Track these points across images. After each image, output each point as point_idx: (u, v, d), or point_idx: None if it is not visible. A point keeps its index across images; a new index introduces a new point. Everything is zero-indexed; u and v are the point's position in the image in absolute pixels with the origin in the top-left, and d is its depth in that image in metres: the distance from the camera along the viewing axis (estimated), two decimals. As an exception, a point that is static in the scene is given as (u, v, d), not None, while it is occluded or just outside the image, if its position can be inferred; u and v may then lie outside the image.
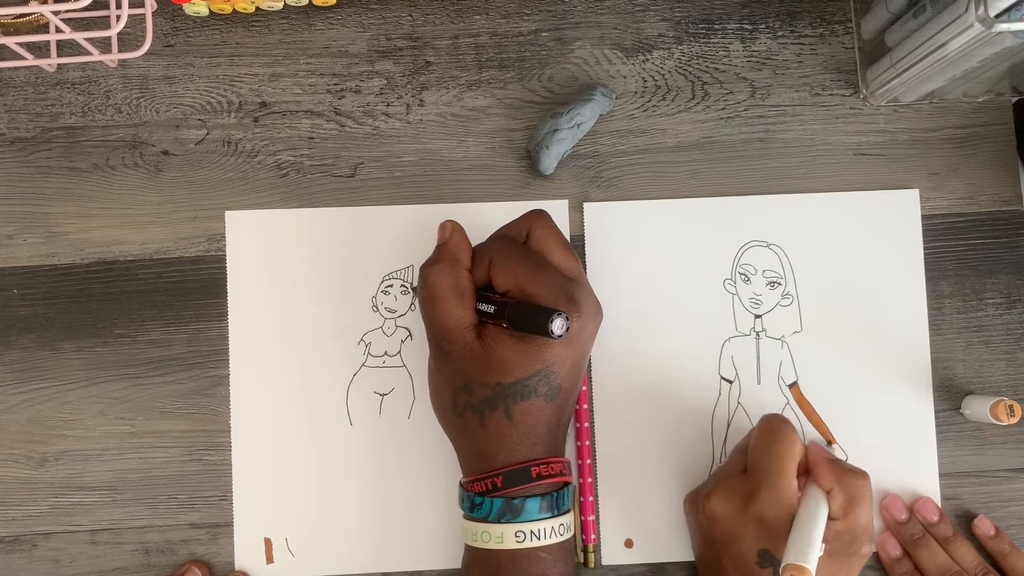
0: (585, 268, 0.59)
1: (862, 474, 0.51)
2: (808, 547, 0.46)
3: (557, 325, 0.47)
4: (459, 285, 0.51)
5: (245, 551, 0.57)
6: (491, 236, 0.54)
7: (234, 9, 0.59)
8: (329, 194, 0.60)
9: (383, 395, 0.59)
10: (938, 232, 0.60)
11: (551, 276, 0.51)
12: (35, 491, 0.58)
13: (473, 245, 0.53)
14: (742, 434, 0.58)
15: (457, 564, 0.56)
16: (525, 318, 0.48)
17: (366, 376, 0.59)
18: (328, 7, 0.60)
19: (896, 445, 0.59)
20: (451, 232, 0.53)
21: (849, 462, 0.53)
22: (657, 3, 0.61)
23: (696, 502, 0.54)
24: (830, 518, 0.50)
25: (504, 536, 0.49)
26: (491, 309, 0.50)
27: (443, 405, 0.52)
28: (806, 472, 0.52)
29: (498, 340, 0.50)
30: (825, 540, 0.48)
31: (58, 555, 0.57)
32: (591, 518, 0.57)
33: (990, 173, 0.61)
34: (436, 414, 0.53)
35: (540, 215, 0.53)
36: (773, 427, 0.52)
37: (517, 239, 0.53)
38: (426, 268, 0.52)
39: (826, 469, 0.51)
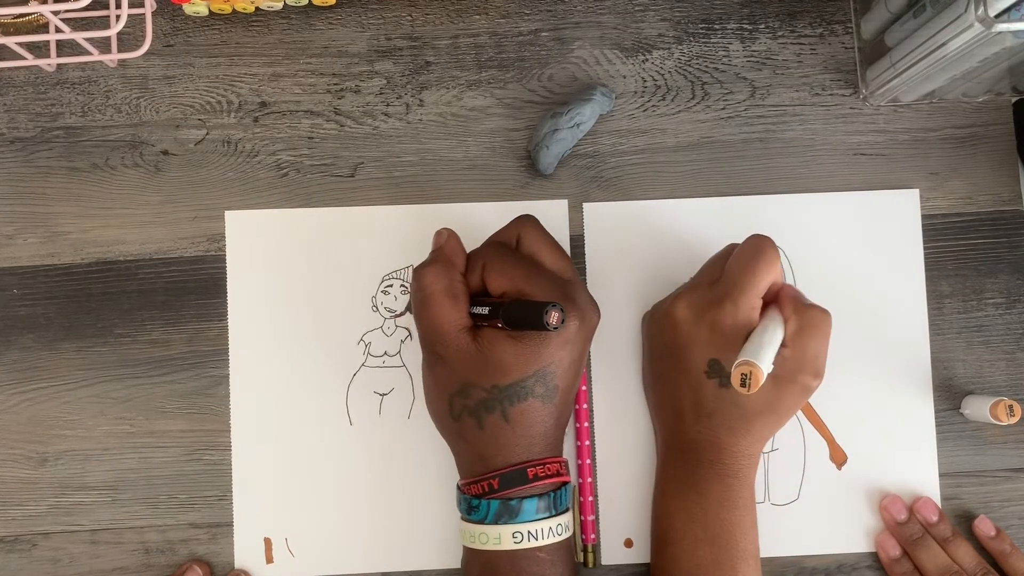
0: (585, 268, 0.59)
1: (823, 310, 0.51)
2: (761, 351, 0.47)
3: (553, 317, 0.47)
4: (453, 287, 0.51)
5: (245, 551, 0.57)
6: (482, 244, 0.54)
7: (234, 9, 0.59)
8: (329, 194, 0.60)
9: (383, 395, 0.59)
10: (938, 232, 0.60)
11: (546, 277, 0.51)
12: (35, 491, 0.58)
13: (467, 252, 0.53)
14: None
15: (457, 564, 0.56)
16: (520, 314, 0.48)
17: (366, 376, 0.59)
18: (328, 7, 0.60)
19: (896, 445, 0.59)
20: (447, 238, 0.53)
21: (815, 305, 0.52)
22: (657, 3, 0.61)
23: (656, 314, 0.55)
24: (781, 345, 0.50)
25: (502, 537, 0.49)
26: (485, 311, 0.50)
27: (439, 410, 0.52)
28: (772, 301, 0.52)
29: (494, 342, 0.49)
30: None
31: (58, 555, 0.57)
32: (591, 518, 0.57)
33: (990, 173, 0.61)
34: (432, 419, 0.53)
35: (528, 220, 0.53)
36: (758, 247, 0.52)
37: (508, 244, 0.53)
38: (420, 270, 0.52)
39: (789, 299, 0.51)
